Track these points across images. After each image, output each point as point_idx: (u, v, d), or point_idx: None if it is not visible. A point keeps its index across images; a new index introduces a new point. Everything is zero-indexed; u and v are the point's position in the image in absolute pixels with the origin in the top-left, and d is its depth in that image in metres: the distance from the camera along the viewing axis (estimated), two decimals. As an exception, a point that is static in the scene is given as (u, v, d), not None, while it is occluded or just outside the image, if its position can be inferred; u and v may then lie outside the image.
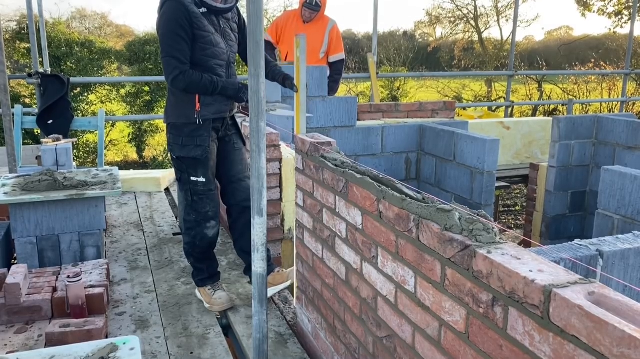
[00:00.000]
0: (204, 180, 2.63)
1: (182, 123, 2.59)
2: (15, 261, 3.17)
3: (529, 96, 14.72)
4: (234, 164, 2.79)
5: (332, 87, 5.07)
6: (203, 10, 2.51)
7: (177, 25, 2.43)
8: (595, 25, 54.67)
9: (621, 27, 15.20)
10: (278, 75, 2.81)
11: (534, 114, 13.37)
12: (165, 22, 2.47)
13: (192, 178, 2.63)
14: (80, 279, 2.53)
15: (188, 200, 2.68)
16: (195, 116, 2.55)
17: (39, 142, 5.92)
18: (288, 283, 2.72)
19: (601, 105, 13.37)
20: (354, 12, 49.76)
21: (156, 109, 12.31)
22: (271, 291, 2.69)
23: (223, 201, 2.84)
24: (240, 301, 2.85)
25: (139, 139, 12.88)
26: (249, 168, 2.62)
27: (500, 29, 19.20)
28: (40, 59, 5.76)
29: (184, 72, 2.47)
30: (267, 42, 5.17)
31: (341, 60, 5.11)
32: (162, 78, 10.18)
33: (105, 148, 9.55)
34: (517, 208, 7.81)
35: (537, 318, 1.03)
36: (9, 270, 2.75)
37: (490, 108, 10.48)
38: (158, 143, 13.32)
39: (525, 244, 4.04)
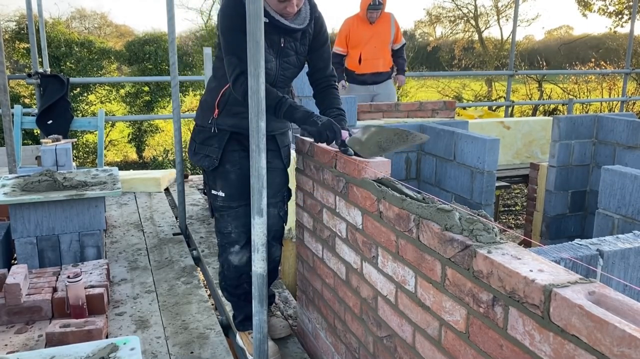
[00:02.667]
0: (223, 195, 2.32)
1: (200, 126, 2.35)
2: (15, 261, 3.17)
3: (529, 96, 14.72)
4: None
5: (403, 64, 5.67)
6: (265, 20, 2.04)
7: (241, 21, 2.00)
8: (595, 25, 54.75)
9: (621, 26, 15.21)
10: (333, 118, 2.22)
11: (534, 114, 13.37)
12: (226, 17, 2.14)
13: (213, 191, 2.36)
14: (80, 279, 2.53)
15: (215, 218, 2.45)
16: (210, 122, 2.28)
17: (38, 143, 5.92)
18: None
19: (601, 104, 13.37)
20: (353, 12, 49.67)
21: (156, 109, 12.31)
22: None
23: None
24: (240, 301, 2.85)
25: (138, 139, 12.89)
26: (285, 193, 2.42)
27: (501, 29, 19.19)
28: (40, 59, 5.76)
29: (244, 72, 2.00)
30: (337, 55, 5.49)
31: (403, 45, 5.65)
32: (161, 78, 10.22)
33: (105, 148, 9.55)
34: (517, 208, 7.81)
35: (538, 318, 1.02)
36: (9, 270, 2.75)
37: (490, 108, 10.47)
38: (158, 143, 13.33)
39: (526, 244, 4.03)
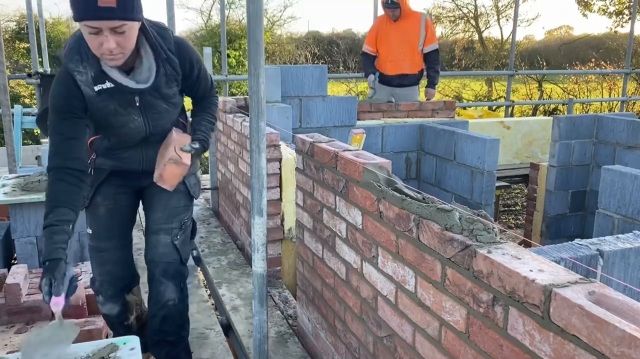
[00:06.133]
0: (90, 232, 2.07)
1: None
2: (15, 261, 3.17)
3: (529, 96, 14.71)
4: (153, 210, 2.11)
5: (434, 77, 5.31)
6: (108, 86, 1.85)
7: (65, 105, 1.87)
8: (595, 25, 54.74)
9: (622, 26, 15.20)
10: (195, 132, 2.11)
11: (534, 114, 13.36)
12: (51, 101, 1.91)
13: (88, 228, 2.09)
14: (80, 279, 2.53)
15: None
16: (89, 163, 2.01)
17: (38, 142, 5.92)
18: None
19: (601, 104, 13.36)
20: (353, 12, 49.75)
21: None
22: None
23: None
24: (240, 300, 2.85)
25: (138, 139, 12.87)
26: (186, 221, 2.13)
27: (501, 29, 19.14)
28: (40, 59, 5.76)
29: (50, 168, 1.88)
30: (366, 54, 5.39)
31: (436, 50, 5.29)
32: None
33: (105, 148, 9.53)
34: (517, 208, 7.80)
35: (538, 318, 1.02)
36: (9, 270, 2.75)
37: (490, 108, 10.47)
38: (158, 143, 13.31)
39: (526, 244, 4.03)
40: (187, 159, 2.00)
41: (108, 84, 1.85)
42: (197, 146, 2.02)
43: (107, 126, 1.96)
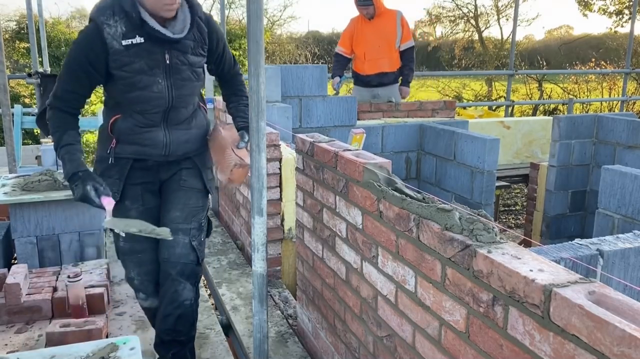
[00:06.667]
0: (124, 235, 2.03)
1: (98, 156, 2.09)
2: (15, 261, 3.17)
3: (529, 95, 14.71)
4: (171, 208, 2.09)
5: (409, 75, 5.28)
6: (138, 40, 1.88)
7: (83, 57, 1.88)
8: (595, 25, 54.75)
9: (622, 26, 15.21)
10: (237, 121, 2.18)
11: (534, 114, 13.37)
12: (73, 47, 1.93)
13: (116, 230, 2.03)
14: (81, 279, 2.53)
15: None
16: (109, 152, 2.03)
17: (38, 142, 5.92)
18: None
19: (601, 104, 13.36)
20: (353, 12, 49.63)
21: (156, 109, 12.29)
22: None
23: None
24: (240, 300, 2.85)
25: (138, 138, 12.87)
26: (203, 221, 2.14)
27: (501, 28, 19.16)
28: (40, 59, 5.76)
29: (50, 106, 1.95)
30: (339, 55, 5.32)
31: (411, 47, 5.26)
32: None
33: (105, 148, 9.53)
34: (517, 208, 7.80)
35: (538, 318, 1.02)
36: (9, 270, 2.75)
37: (490, 107, 10.47)
38: (158, 143, 13.31)
39: (526, 244, 4.03)
40: (247, 157, 2.04)
41: (138, 39, 1.88)
42: (247, 138, 2.04)
43: (129, 89, 1.94)
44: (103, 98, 2.21)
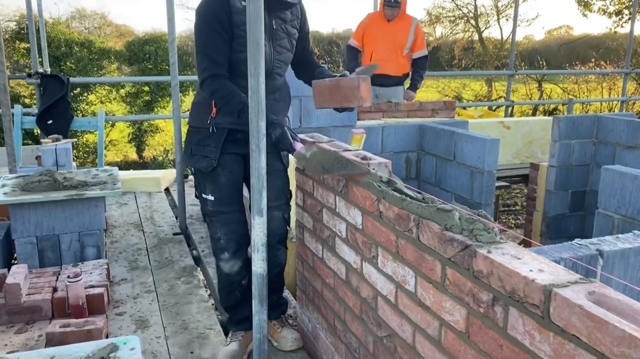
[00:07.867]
0: (213, 199, 2.28)
1: (195, 127, 2.31)
2: (15, 261, 3.17)
3: (529, 96, 14.72)
4: None
5: (418, 81, 5.38)
6: None
7: (215, 19, 2.09)
8: (595, 25, 54.73)
9: (621, 26, 15.20)
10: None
11: (534, 114, 13.37)
12: (199, 16, 2.14)
13: (203, 194, 2.30)
14: (80, 279, 2.54)
15: (206, 222, 2.43)
16: (209, 122, 2.24)
17: (38, 143, 5.91)
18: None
19: (601, 104, 13.36)
20: (353, 12, 49.70)
21: (156, 109, 12.30)
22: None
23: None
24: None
25: (138, 139, 12.88)
26: (287, 194, 2.42)
27: (501, 29, 19.16)
28: (40, 59, 5.75)
29: (214, 76, 2.14)
30: (351, 48, 5.36)
31: (425, 56, 5.34)
32: (161, 78, 10.21)
33: (105, 148, 9.54)
34: (517, 208, 7.81)
35: (538, 318, 1.02)
36: (9, 270, 2.75)
37: (490, 107, 10.46)
38: (158, 143, 13.31)
39: (526, 244, 4.03)
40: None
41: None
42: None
43: (242, 49, 2.09)
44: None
